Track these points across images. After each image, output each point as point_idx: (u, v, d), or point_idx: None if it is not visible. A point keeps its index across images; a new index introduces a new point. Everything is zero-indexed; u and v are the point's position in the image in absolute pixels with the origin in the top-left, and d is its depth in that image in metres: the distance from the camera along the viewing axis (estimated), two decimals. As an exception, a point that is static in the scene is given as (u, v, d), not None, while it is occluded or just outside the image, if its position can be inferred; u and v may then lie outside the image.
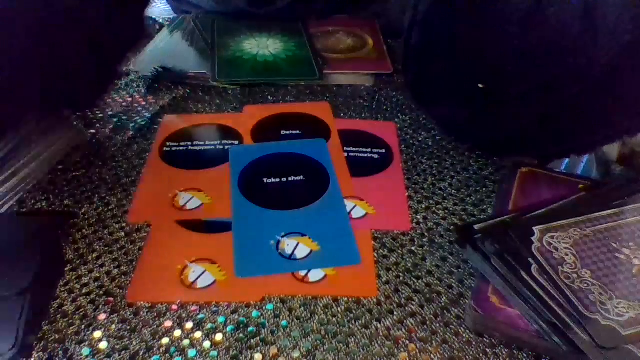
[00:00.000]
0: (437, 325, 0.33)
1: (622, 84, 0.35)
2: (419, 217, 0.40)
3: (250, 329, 0.32)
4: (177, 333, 0.32)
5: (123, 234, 0.38)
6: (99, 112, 0.50)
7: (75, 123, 0.49)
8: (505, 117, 0.41)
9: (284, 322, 0.32)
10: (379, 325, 0.32)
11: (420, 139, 0.48)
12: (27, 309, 0.31)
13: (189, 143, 0.46)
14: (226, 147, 0.46)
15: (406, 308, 0.34)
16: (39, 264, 0.34)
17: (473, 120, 0.45)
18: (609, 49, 0.33)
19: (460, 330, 0.32)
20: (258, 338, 0.31)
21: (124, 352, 0.31)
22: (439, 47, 0.41)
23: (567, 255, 0.34)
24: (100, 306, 0.33)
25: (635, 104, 0.36)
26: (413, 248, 0.38)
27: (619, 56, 0.33)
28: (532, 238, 0.35)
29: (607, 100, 0.36)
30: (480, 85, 0.40)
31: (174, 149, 0.46)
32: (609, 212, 0.37)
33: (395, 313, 0.33)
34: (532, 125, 0.40)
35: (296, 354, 0.31)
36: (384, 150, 0.46)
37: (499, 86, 0.39)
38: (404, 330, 0.32)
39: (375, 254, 0.37)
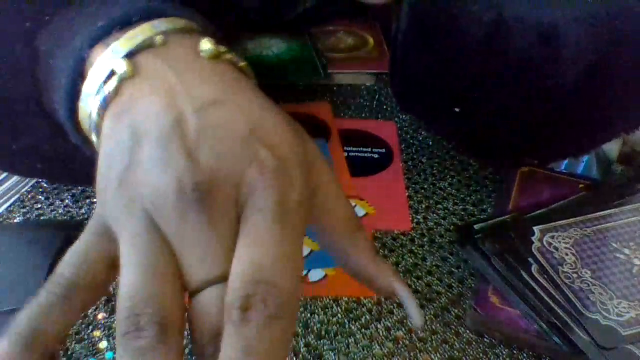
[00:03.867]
0: (437, 325, 0.33)
1: (598, 94, 0.34)
2: (419, 217, 0.40)
3: (250, 328, 0.32)
4: (177, 333, 0.32)
5: (123, 233, 0.38)
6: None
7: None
8: (485, 132, 0.41)
9: (283, 322, 0.32)
10: (379, 325, 0.32)
11: (420, 138, 0.48)
12: None
13: (189, 143, 0.46)
14: (226, 146, 0.46)
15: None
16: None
17: (456, 135, 0.45)
18: (575, 70, 0.33)
19: (460, 330, 0.32)
20: (258, 338, 0.31)
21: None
22: (415, 68, 0.41)
23: (567, 255, 0.34)
24: (100, 305, 0.33)
25: (624, 102, 0.35)
26: (413, 248, 0.38)
27: (587, 74, 0.33)
28: (532, 238, 0.35)
29: (588, 110, 0.36)
30: (456, 109, 0.39)
31: (174, 148, 0.45)
32: (609, 211, 0.37)
33: (395, 313, 0.33)
34: (514, 137, 0.40)
35: (296, 354, 0.31)
36: (384, 150, 0.46)
37: (471, 109, 0.39)
38: (404, 330, 0.32)
39: (375, 254, 0.37)
